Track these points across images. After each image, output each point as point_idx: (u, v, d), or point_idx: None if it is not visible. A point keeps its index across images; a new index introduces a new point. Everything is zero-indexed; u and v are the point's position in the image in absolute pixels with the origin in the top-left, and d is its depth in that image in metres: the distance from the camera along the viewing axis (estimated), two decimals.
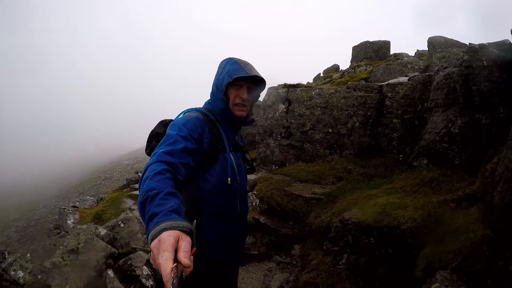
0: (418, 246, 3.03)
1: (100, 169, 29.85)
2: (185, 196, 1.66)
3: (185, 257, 0.86)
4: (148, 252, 4.14)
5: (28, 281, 3.83)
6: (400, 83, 5.74)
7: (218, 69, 1.80)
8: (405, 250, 3.15)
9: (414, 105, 5.48)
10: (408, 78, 5.77)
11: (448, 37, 11.45)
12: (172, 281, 0.77)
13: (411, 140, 5.27)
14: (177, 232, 0.92)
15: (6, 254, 4.62)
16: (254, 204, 5.67)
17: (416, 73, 5.99)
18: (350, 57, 14.01)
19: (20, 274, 3.91)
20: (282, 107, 7.56)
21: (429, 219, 3.25)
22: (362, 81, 8.23)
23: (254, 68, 1.76)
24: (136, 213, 6.19)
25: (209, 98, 1.84)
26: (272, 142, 7.61)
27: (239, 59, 1.77)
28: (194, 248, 0.94)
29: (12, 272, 3.93)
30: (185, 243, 0.90)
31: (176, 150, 1.42)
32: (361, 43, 13.73)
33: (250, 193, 5.97)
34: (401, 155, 5.44)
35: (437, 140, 4.28)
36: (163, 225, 0.95)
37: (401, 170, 4.86)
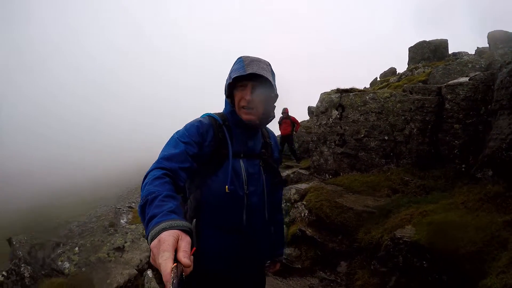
0: (476, 275, 2.65)
1: None
2: (190, 202, 1.62)
3: (185, 257, 0.85)
4: None
5: (72, 272, 4.18)
6: (460, 84, 5.13)
7: None
8: (462, 279, 2.78)
9: (477, 107, 4.86)
10: (469, 78, 5.17)
11: (509, 31, 10.13)
12: (172, 281, 0.77)
13: (475, 148, 4.66)
14: (176, 232, 0.92)
15: (61, 245, 5.09)
16: (302, 214, 5.53)
17: (478, 73, 5.35)
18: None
19: (66, 265, 4.29)
20: (335, 113, 7.29)
21: (491, 243, 2.84)
22: (420, 83, 7.61)
23: (260, 65, 1.58)
24: None
25: None
26: (326, 150, 7.38)
27: (247, 57, 1.62)
28: (194, 248, 0.94)
29: (59, 263, 4.33)
30: (185, 243, 0.90)
31: (176, 155, 1.40)
32: (417, 43, 12.75)
33: (299, 203, 5.86)
34: (463, 165, 4.84)
35: (503, 147, 3.70)
36: (162, 225, 0.95)
37: (463, 183, 4.30)
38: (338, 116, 7.16)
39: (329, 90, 8.15)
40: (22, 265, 4.45)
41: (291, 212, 5.99)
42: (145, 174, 1.32)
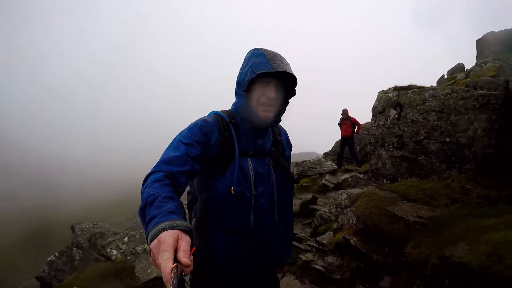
0: None
1: None
2: (198, 203, 1.64)
3: (184, 257, 0.86)
4: None
5: (118, 259, 4.54)
6: None
7: (243, 62, 1.58)
8: None
9: None
10: None
11: None
12: (172, 281, 0.78)
13: None
14: (176, 232, 0.92)
15: (120, 234, 5.56)
16: (351, 222, 5.28)
17: None
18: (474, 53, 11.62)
19: (114, 252, 4.70)
20: (393, 113, 6.77)
21: None
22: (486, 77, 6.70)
23: (283, 61, 1.49)
24: None
25: None
26: (384, 153, 6.89)
27: (267, 50, 1.53)
28: (194, 248, 0.95)
29: (108, 250, 4.75)
30: (185, 243, 0.90)
31: (175, 158, 1.38)
32: (485, 35, 11.31)
33: (348, 209, 5.60)
34: None
35: None
36: (162, 225, 0.96)
37: None
38: (396, 116, 6.63)
39: (386, 88, 7.63)
40: (74, 248, 5.02)
41: (340, 218, 5.77)
42: (144, 177, 1.33)
